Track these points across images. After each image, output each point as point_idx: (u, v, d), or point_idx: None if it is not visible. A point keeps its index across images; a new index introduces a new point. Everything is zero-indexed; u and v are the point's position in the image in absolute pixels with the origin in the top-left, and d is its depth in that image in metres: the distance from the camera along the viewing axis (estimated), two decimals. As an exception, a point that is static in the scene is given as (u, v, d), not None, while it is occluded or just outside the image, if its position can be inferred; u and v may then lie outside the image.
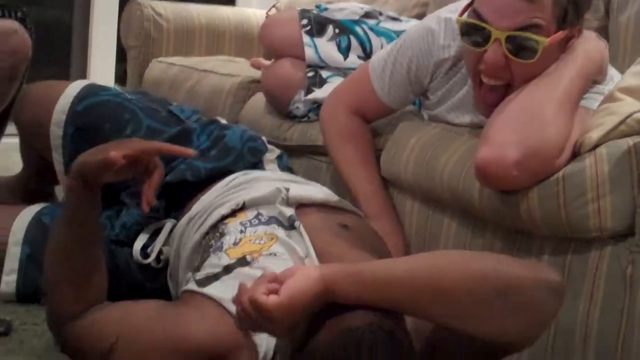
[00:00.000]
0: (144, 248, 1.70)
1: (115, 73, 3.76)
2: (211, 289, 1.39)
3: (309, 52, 2.18)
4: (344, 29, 2.20)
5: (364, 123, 1.92)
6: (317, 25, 2.21)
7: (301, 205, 1.57)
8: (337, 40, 2.19)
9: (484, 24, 1.51)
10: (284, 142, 2.17)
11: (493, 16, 1.50)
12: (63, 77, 3.46)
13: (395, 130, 1.87)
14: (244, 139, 1.88)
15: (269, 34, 2.33)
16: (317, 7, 2.32)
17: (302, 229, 1.47)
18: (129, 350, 1.36)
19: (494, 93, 1.57)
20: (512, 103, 1.49)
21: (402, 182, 1.82)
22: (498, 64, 1.52)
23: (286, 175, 1.80)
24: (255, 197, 1.58)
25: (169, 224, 1.71)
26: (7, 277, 1.75)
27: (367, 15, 2.24)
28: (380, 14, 2.26)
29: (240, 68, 2.68)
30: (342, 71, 2.17)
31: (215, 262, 1.44)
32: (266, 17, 2.70)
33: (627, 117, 1.40)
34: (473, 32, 1.54)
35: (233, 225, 1.52)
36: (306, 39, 2.19)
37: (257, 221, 1.52)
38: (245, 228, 1.51)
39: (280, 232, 1.48)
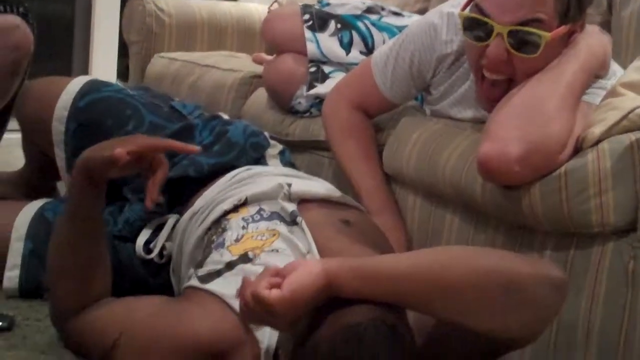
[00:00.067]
0: (147, 243, 1.70)
1: (118, 68, 3.77)
2: (213, 285, 1.39)
3: (311, 47, 2.18)
4: (346, 24, 2.20)
5: (366, 118, 1.92)
6: (319, 20, 2.21)
7: (303, 201, 1.57)
8: (339, 35, 2.19)
9: (486, 19, 1.51)
10: (286, 137, 2.17)
11: (495, 11, 1.50)
12: (65, 72, 3.47)
13: (397, 125, 1.87)
14: (247, 134, 1.88)
15: (271, 29, 2.33)
16: (319, 2, 2.32)
17: (304, 225, 1.48)
18: (131, 346, 1.36)
19: (496, 88, 1.57)
20: (515, 98, 1.49)
21: (404, 177, 1.81)
22: (500, 58, 1.52)
23: (288, 171, 1.80)
24: (257, 192, 1.58)
25: (171, 219, 1.71)
26: (9, 273, 1.75)
27: (369, 10, 2.24)
28: (383, 8, 2.26)
29: (242, 63, 2.68)
30: (344, 66, 2.17)
31: (217, 258, 1.44)
32: (268, 12, 2.69)
33: (629, 113, 1.40)
34: (475, 26, 1.54)
35: (235, 220, 1.52)
36: (308, 34, 2.19)
37: (259, 217, 1.52)
38: (247, 224, 1.51)
39: (282, 227, 1.48)
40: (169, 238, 1.70)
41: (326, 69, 2.18)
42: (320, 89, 2.13)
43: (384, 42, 2.11)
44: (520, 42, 1.50)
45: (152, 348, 1.34)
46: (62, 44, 3.85)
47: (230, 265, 1.41)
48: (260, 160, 1.86)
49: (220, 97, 2.50)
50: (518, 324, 1.12)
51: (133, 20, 2.99)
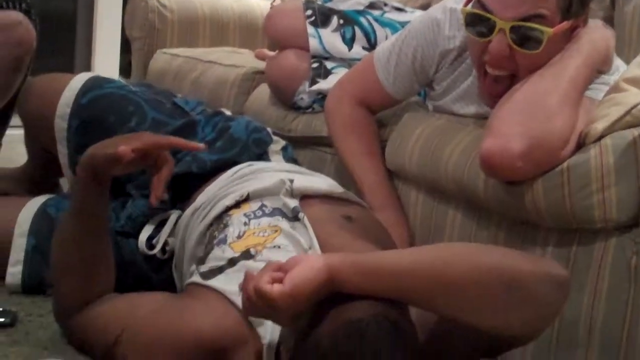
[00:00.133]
0: (150, 239, 1.71)
1: (120, 64, 3.77)
2: (215, 282, 1.39)
3: (314, 43, 2.18)
4: (349, 19, 2.20)
5: (368, 114, 1.92)
6: (322, 16, 2.21)
7: (305, 197, 1.57)
8: (342, 31, 2.18)
9: (488, 14, 1.51)
10: (289, 133, 2.17)
11: (497, 6, 1.50)
12: (67, 69, 3.47)
13: (400, 121, 1.87)
14: (249, 130, 1.88)
15: (273, 24, 2.32)
16: (322, -3, 2.32)
17: (306, 221, 1.48)
18: (134, 342, 1.36)
19: (498, 84, 1.57)
20: (517, 94, 1.49)
21: (406, 173, 1.81)
22: (502, 54, 1.51)
23: (291, 167, 1.80)
24: (259, 188, 1.58)
25: (174, 215, 1.72)
26: (12, 269, 1.76)
27: (372, 5, 2.24)
28: (385, 4, 2.26)
29: (245, 59, 2.68)
30: (347, 62, 2.17)
31: (219, 254, 1.44)
32: (270, 7, 2.69)
33: (632, 108, 1.40)
34: (477, 22, 1.54)
35: (237, 216, 1.52)
36: (310, 29, 2.19)
37: (261, 213, 1.52)
38: (249, 220, 1.51)
39: (284, 223, 1.48)
40: (172, 234, 1.70)
41: (329, 64, 2.17)
42: (323, 84, 2.13)
43: (386, 38, 2.11)
44: (523, 37, 1.50)
45: (155, 344, 1.34)
46: (64, 40, 3.85)
47: (232, 262, 1.41)
48: (262, 156, 1.86)
49: (223, 93, 2.50)
50: (520, 321, 1.12)
51: (135, 16, 2.99)
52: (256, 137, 1.88)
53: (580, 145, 1.43)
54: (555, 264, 1.18)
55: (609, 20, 1.96)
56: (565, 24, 1.50)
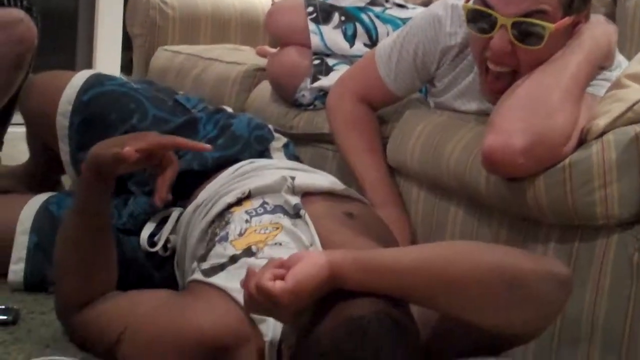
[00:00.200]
0: (151, 236, 1.71)
1: (121, 62, 3.77)
2: (217, 279, 1.39)
3: (315, 40, 2.17)
4: (350, 16, 2.20)
5: (370, 111, 1.91)
6: (323, 12, 2.20)
7: (307, 194, 1.57)
8: (343, 27, 2.18)
9: (489, 11, 1.50)
10: (290, 130, 2.17)
11: (499, 2, 1.49)
12: (69, 66, 3.46)
13: (401, 117, 1.87)
14: (251, 127, 1.88)
15: (274, 21, 2.32)
16: (323, -6, 2.31)
17: (307, 218, 1.47)
18: (136, 340, 1.36)
19: (500, 80, 1.56)
20: (519, 90, 1.49)
21: (408, 170, 1.81)
22: (504, 50, 1.51)
23: (292, 164, 1.80)
24: (261, 185, 1.58)
25: (175, 212, 1.72)
26: (14, 266, 1.76)
27: (373, 2, 2.23)
28: (387, 0, 2.25)
29: (246, 56, 2.68)
30: (348, 59, 2.16)
31: (221, 252, 1.44)
32: (272, 4, 2.69)
33: (634, 104, 1.39)
34: (479, 18, 1.54)
35: (238, 214, 1.52)
36: (312, 26, 2.19)
37: (262, 210, 1.52)
38: (251, 217, 1.51)
39: (285, 221, 1.48)
40: (173, 231, 1.70)
41: (330, 61, 2.17)
42: (324, 81, 2.13)
43: (387, 35, 2.11)
44: (524, 33, 1.49)
45: (156, 342, 1.34)
46: (65, 37, 3.85)
47: (233, 259, 1.41)
48: (264, 153, 1.86)
49: (224, 90, 2.49)
50: (521, 320, 1.12)
51: (137, 13, 2.99)
52: (258, 134, 1.88)
53: (582, 142, 1.43)
54: (557, 263, 1.18)
55: (611, 16, 1.96)
56: (567, 20, 1.50)
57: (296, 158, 1.94)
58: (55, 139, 1.87)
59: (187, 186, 1.74)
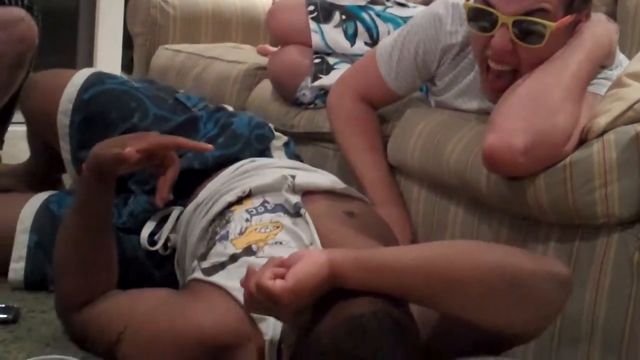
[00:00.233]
0: (151, 235, 1.71)
1: (122, 60, 3.76)
2: (217, 278, 1.39)
3: (316, 39, 2.17)
4: (351, 15, 2.19)
5: (371, 110, 1.91)
6: (324, 11, 2.20)
7: (307, 193, 1.57)
8: (344, 26, 2.18)
9: (490, 9, 1.50)
10: (291, 129, 2.17)
11: (500, 1, 1.49)
12: (69, 65, 3.46)
13: (402, 116, 1.87)
14: (252, 126, 1.88)
15: (275, 20, 2.32)
16: (324, -8, 2.31)
17: (307, 217, 1.47)
18: (136, 339, 1.37)
19: (501, 78, 1.56)
20: (520, 89, 1.49)
21: (408, 169, 1.81)
22: (505, 49, 1.51)
23: (293, 163, 1.80)
24: (261, 184, 1.58)
25: (176, 211, 1.71)
26: (15, 265, 1.76)
27: (374, 1, 2.23)
28: (387, -1, 2.26)
29: (247, 55, 2.68)
30: (349, 57, 2.16)
31: (221, 250, 1.44)
32: (273, 3, 2.69)
33: (635, 103, 1.39)
34: (480, 17, 1.54)
35: (239, 213, 1.52)
36: (313, 25, 2.19)
37: (263, 209, 1.52)
38: (251, 216, 1.51)
39: (285, 219, 1.48)
40: (173, 230, 1.70)
41: (331, 60, 2.17)
42: (325, 80, 2.13)
43: (388, 33, 2.11)
44: (525, 32, 1.49)
45: (157, 341, 1.34)
46: (66, 36, 3.85)
47: (234, 258, 1.41)
48: (265, 152, 1.86)
49: (225, 89, 2.49)
50: (521, 319, 1.12)
51: (137, 12, 2.98)
52: (258, 133, 1.88)
53: (583, 141, 1.43)
54: (557, 262, 1.18)
55: (612, 15, 1.95)
56: (568, 19, 1.50)
57: (297, 157, 1.94)
58: (56, 137, 1.87)
59: (188, 185, 1.74)
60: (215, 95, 2.44)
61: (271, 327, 1.30)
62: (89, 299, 1.47)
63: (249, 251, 1.42)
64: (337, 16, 2.19)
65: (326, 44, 2.17)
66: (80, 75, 1.88)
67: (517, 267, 1.12)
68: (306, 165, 1.80)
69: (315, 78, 2.15)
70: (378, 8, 2.21)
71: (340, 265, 1.13)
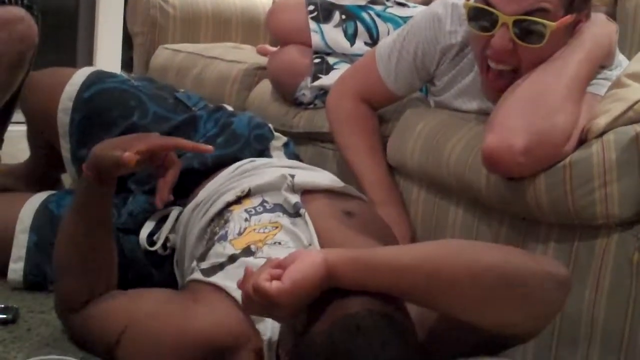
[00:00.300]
0: (151, 235, 1.70)
1: (122, 60, 3.76)
2: (216, 278, 1.39)
3: (316, 39, 2.17)
4: (351, 14, 2.19)
5: (370, 110, 1.91)
6: (324, 11, 2.20)
7: (306, 192, 1.56)
8: (344, 26, 2.18)
9: (491, 9, 1.50)
10: (291, 129, 2.17)
11: (500, 1, 1.49)
12: (69, 64, 3.45)
13: (401, 116, 1.87)
14: (251, 126, 1.88)
15: (275, 20, 2.32)
16: (324, -8, 2.31)
17: (306, 217, 1.47)
18: (135, 340, 1.37)
19: (501, 78, 1.56)
20: (519, 89, 1.49)
21: (408, 169, 1.81)
22: (505, 48, 1.51)
23: (292, 162, 1.80)
24: (260, 183, 1.58)
25: (175, 211, 1.71)
26: (14, 265, 1.76)
27: (374, 1, 2.23)
28: (387, -1, 2.25)
29: (247, 55, 2.68)
30: (349, 57, 2.16)
31: (220, 251, 1.44)
32: (273, 3, 2.69)
33: (634, 104, 1.39)
34: (480, 16, 1.54)
35: (238, 212, 1.52)
36: (312, 25, 2.18)
37: (261, 208, 1.52)
38: (250, 216, 1.51)
39: (284, 220, 1.48)
40: (173, 230, 1.70)
41: (331, 60, 2.17)
42: (325, 80, 2.13)
43: (388, 33, 2.11)
44: (525, 32, 1.49)
45: (156, 342, 1.34)
46: (66, 36, 3.85)
47: (232, 259, 1.41)
48: (264, 152, 1.86)
49: (225, 89, 2.49)
50: (519, 319, 1.12)
51: (137, 11, 2.98)
52: (258, 133, 1.88)
53: (583, 141, 1.42)
54: (556, 262, 1.18)
55: (612, 15, 1.95)
56: (568, 18, 1.50)
57: (296, 157, 1.94)
58: (56, 135, 1.87)
59: (187, 185, 1.74)
60: (215, 95, 2.44)
61: (269, 328, 1.30)
62: (88, 299, 1.47)
63: (247, 252, 1.42)
64: (337, 16, 2.19)
65: (326, 43, 2.17)
66: (81, 74, 1.88)
67: (515, 267, 1.12)
68: (305, 165, 1.80)
69: (315, 78, 2.15)
70: (378, 8, 2.21)
71: (336, 265, 1.13)
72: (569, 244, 1.44)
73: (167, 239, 1.69)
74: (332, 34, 2.18)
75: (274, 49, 2.47)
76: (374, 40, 2.15)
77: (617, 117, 1.39)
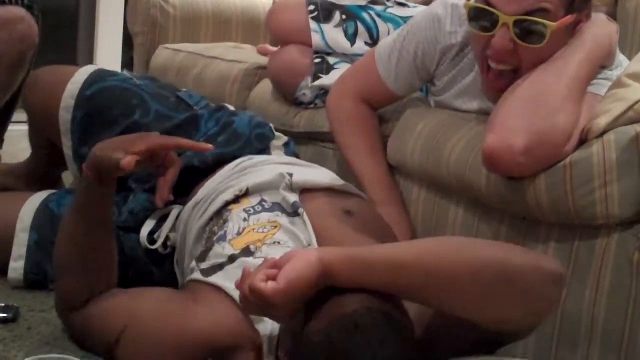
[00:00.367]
0: (151, 234, 1.71)
1: (122, 60, 3.76)
2: (215, 278, 1.39)
3: (316, 38, 2.17)
4: (351, 14, 2.19)
5: (370, 110, 1.91)
6: (324, 11, 2.20)
7: (305, 190, 1.56)
8: (344, 26, 2.18)
9: (491, 9, 1.50)
10: (291, 128, 2.17)
11: (501, 1, 1.49)
12: (69, 64, 3.46)
13: (401, 116, 1.87)
14: (252, 125, 1.88)
15: (275, 20, 2.32)
16: (324, -8, 2.31)
17: (305, 216, 1.47)
18: (135, 340, 1.37)
19: (501, 78, 1.56)
20: (519, 89, 1.49)
21: (408, 169, 1.81)
22: (505, 48, 1.51)
23: (290, 159, 1.80)
24: (258, 182, 1.57)
25: (175, 209, 1.71)
26: (14, 263, 1.76)
27: (374, 1, 2.23)
28: (387, -1, 2.25)
29: (247, 54, 2.68)
30: (349, 57, 2.16)
31: (219, 251, 1.44)
32: (273, 3, 2.69)
33: (634, 104, 1.39)
34: (480, 16, 1.54)
35: (236, 212, 1.52)
36: (313, 24, 2.18)
37: (260, 207, 1.52)
38: (249, 215, 1.51)
39: (283, 219, 1.48)
40: (173, 228, 1.70)
41: (331, 60, 2.17)
42: (325, 80, 2.13)
43: (388, 33, 2.11)
44: (526, 32, 1.49)
45: (156, 342, 1.34)
46: (66, 35, 3.85)
47: (232, 259, 1.41)
48: (264, 151, 1.86)
49: (225, 89, 2.49)
50: (518, 315, 1.12)
51: (137, 11, 2.98)
52: (259, 132, 1.88)
53: (583, 141, 1.43)
54: (550, 259, 1.18)
55: (612, 15, 1.95)
56: (569, 19, 1.50)
57: (296, 156, 1.94)
58: (57, 133, 1.87)
59: (187, 183, 1.74)
60: (215, 95, 2.44)
61: (269, 328, 1.30)
62: (88, 298, 1.47)
63: (246, 252, 1.42)
64: (337, 16, 2.19)
65: (326, 43, 2.17)
66: (83, 72, 1.88)
67: (514, 263, 1.12)
68: (304, 162, 1.80)
69: (315, 78, 2.15)
70: (378, 8, 2.21)
71: (332, 264, 1.13)
72: (569, 243, 1.44)
73: (167, 238, 1.69)
74: (333, 33, 2.18)
75: (274, 48, 2.47)
76: (374, 40, 2.15)
77: (618, 117, 1.39)
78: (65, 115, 1.85)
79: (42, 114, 1.92)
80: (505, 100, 1.49)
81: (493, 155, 1.43)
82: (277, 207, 1.52)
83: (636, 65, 1.49)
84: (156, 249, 1.69)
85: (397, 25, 2.14)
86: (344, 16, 2.19)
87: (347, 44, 2.17)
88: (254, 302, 1.14)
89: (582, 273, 1.41)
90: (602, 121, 1.40)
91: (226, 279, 1.37)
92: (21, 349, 1.49)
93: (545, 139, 1.40)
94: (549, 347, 1.46)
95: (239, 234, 1.47)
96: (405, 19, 2.12)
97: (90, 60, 3.76)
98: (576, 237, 1.44)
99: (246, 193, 1.57)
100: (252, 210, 1.52)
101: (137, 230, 1.71)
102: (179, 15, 2.97)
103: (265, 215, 1.50)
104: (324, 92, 2.11)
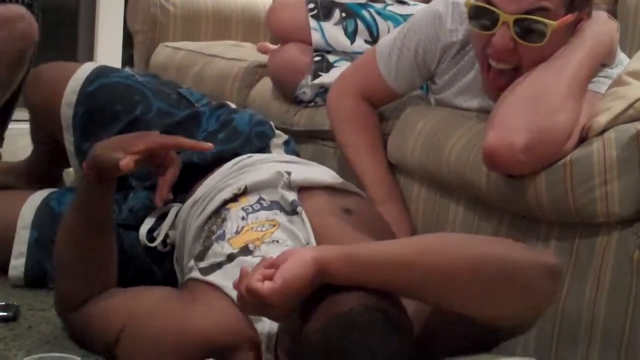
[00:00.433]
0: (151, 232, 1.71)
1: (122, 58, 3.76)
2: (214, 277, 1.39)
3: (316, 36, 2.17)
4: (351, 12, 2.19)
5: (371, 108, 1.91)
6: (324, 9, 2.20)
7: (303, 189, 1.56)
8: (344, 24, 2.18)
9: (492, 7, 1.50)
10: (291, 127, 2.17)
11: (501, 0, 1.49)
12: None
13: (402, 114, 1.87)
14: (252, 123, 1.88)
15: (275, 18, 2.32)
16: (324, -10, 2.31)
17: (304, 215, 1.47)
18: (135, 339, 1.37)
19: (502, 77, 1.56)
20: (520, 87, 1.49)
21: (408, 167, 1.81)
22: (506, 47, 1.51)
23: (289, 157, 1.80)
24: (256, 181, 1.57)
25: (175, 207, 1.71)
26: (15, 261, 1.76)
27: (374, -1, 2.23)
28: (387, -3, 2.25)
29: (247, 53, 2.68)
30: (349, 55, 2.16)
31: (218, 250, 1.44)
32: (273, 1, 2.68)
33: (635, 102, 1.39)
34: (481, 15, 1.54)
35: (235, 211, 1.52)
36: (313, 23, 2.18)
37: (258, 206, 1.52)
38: (247, 214, 1.50)
39: (281, 218, 1.48)
40: (173, 226, 1.70)
41: (331, 58, 2.17)
42: (325, 78, 2.13)
43: (388, 31, 2.11)
44: (526, 30, 1.49)
45: (156, 341, 1.34)
46: (66, 34, 3.85)
47: (230, 258, 1.41)
48: (264, 149, 1.86)
49: (225, 87, 2.49)
50: (518, 310, 1.12)
51: (137, 9, 2.98)
52: (259, 130, 1.88)
53: (583, 139, 1.43)
54: (548, 253, 1.18)
55: (613, 14, 1.95)
56: (569, 17, 1.50)
57: (297, 155, 1.94)
58: (59, 129, 1.88)
59: (187, 181, 1.74)
60: (216, 93, 2.44)
61: (267, 327, 1.30)
62: (88, 297, 1.47)
63: (245, 251, 1.42)
64: (337, 14, 2.19)
65: (326, 41, 2.17)
66: (85, 69, 1.89)
67: (514, 258, 1.12)
68: (303, 160, 1.80)
69: (316, 76, 2.15)
70: (378, 6, 2.21)
71: (329, 262, 1.12)
72: (569, 241, 1.44)
73: (167, 236, 1.69)
74: (333, 31, 2.18)
75: (275, 46, 2.47)
76: (374, 38, 2.15)
77: (618, 115, 1.39)
78: (67, 111, 1.85)
79: (44, 109, 1.92)
80: (505, 99, 1.49)
81: (493, 153, 1.43)
82: (275, 205, 1.52)
83: (637, 64, 1.49)
84: (156, 247, 1.69)
85: (397, 23, 2.13)
86: (343, 14, 2.19)
87: (347, 42, 2.17)
88: (251, 302, 1.14)
89: (583, 271, 1.41)
90: (603, 119, 1.40)
91: (225, 278, 1.37)
92: (22, 347, 1.49)
93: (546, 137, 1.40)
94: (549, 345, 1.46)
95: (237, 232, 1.47)
96: (405, 17, 2.12)
97: (90, 58, 3.76)
98: (576, 235, 1.44)
99: (245, 192, 1.56)
100: (250, 209, 1.51)
101: (137, 228, 1.71)
102: (179, 13, 2.97)
103: (263, 214, 1.50)
104: (324, 90, 2.11)
